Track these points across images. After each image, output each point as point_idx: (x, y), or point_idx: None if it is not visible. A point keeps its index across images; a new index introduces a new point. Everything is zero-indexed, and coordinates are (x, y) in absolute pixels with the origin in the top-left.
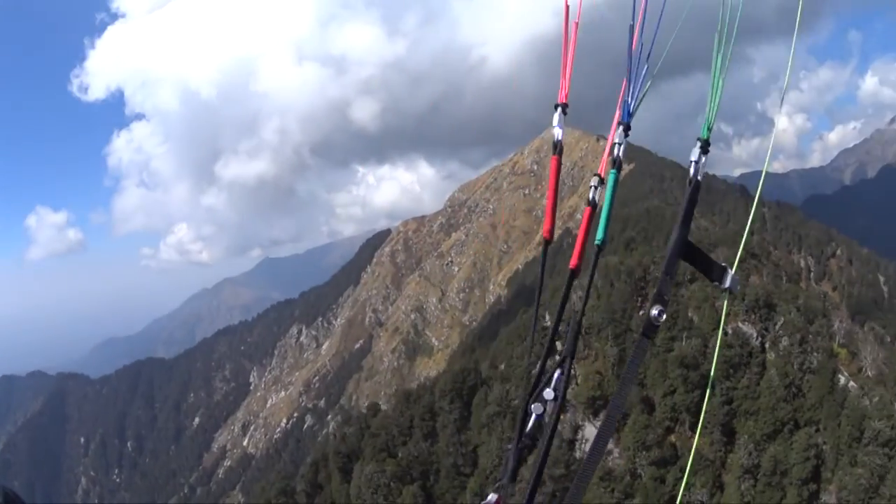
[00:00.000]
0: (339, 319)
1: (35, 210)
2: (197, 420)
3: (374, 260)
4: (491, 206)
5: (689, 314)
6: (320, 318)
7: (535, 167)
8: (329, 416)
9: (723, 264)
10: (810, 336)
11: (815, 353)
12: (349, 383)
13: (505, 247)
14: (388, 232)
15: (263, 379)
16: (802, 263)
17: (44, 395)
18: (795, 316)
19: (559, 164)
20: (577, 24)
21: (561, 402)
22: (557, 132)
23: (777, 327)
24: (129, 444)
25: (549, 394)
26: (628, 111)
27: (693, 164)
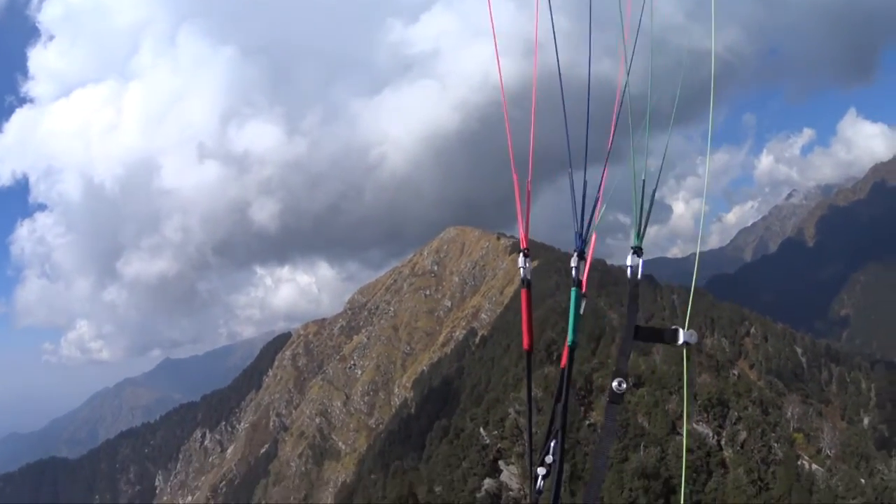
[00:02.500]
0: (242, 423)
1: None
2: None
3: (276, 363)
4: (392, 308)
5: (640, 421)
6: (223, 422)
7: (436, 268)
8: None
9: (672, 327)
10: (766, 427)
11: (775, 444)
12: (257, 488)
13: (408, 348)
14: (288, 335)
15: (169, 483)
16: (717, 346)
17: None
18: (752, 410)
19: (529, 295)
20: (529, 181)
21: (560, 464)
22: (522, 272)
23: (733, 423)
24: None
25: (549, 459)
26: (581, 239)
27: (629, 268)
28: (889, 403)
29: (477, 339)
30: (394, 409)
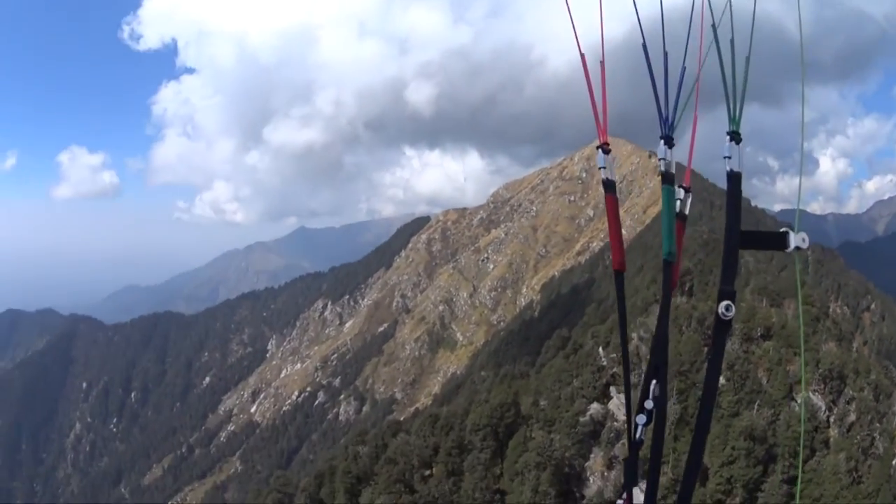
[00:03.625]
0: (365, 300)
1: (69, 148)
2: (207, 380)
3: (410, 245)
4: (534, 208)
5: (760, 376)
6: (347, 296)
7: (584, 175)
8: (342, 396)
9: (782, 230)
10: (875, 415)
11: (879, 437)
12: (367, 366)
13: (543, 251)
14: (427, 219)
15: (281, 348)
16: (839, 313)
17: (50, 335)
18: (868, 392)
19: (615, 200)
20: (602, 63)
21: (662, 408)
22: (603, 172)
23: (847, 402)
24: (132, 395)
25: (648, 404)
26: (669, 125)
27: (727, 158)
28: None
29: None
30: (518, 310)
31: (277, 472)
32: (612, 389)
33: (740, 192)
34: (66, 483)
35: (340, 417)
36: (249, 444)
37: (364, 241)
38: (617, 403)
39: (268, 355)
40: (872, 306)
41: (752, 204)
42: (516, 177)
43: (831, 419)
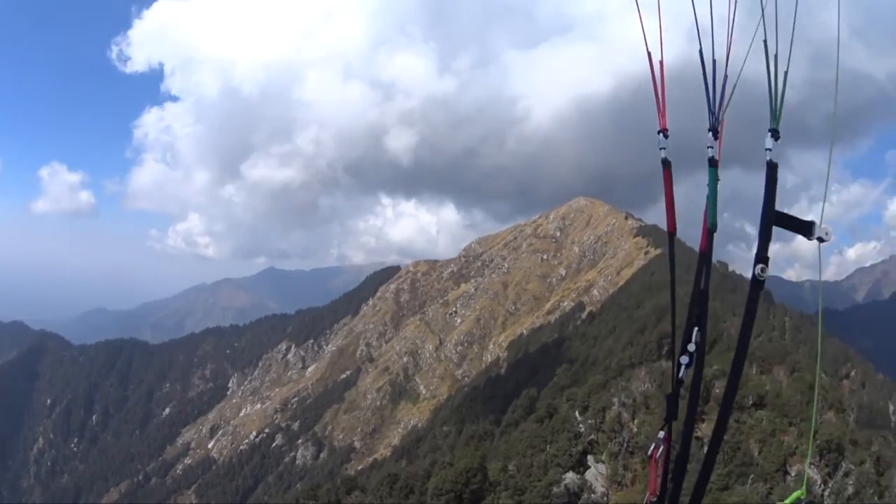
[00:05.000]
0: (330, 345)
1: (50, 164)
2: (167, 411)
3: (378, 294)
4: (506, 265)
5: (751, 447)
6: (312, 340)
7: (558, 234)
8: (300, 440)
9: (809, 219)
10: (879, 489)
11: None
12: (327, 412)
13: (513, 308)
14: (397, 268)
15: (242, 387)
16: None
17: (20, 348)
18: (870, 465)
19: (670, 175)
20: (661, 62)
21: (701, 352)
22: (663, 152)
23: (844, 476)
24: (94, 418)
25: (691, 347)
26: (716, 117)
27: (767, 150)
28: None
29: (584, 314)
30: (484, 366)
31: None
32: (590, 458)
33: (776, 178)
34: (30, 493)
35: (297, 461)
36: (205, 480)
37: (333, 287)
38: (595, 473)
39: (228, 392)
40: (852, 374)
41: (731, 269)
42: (490, 231)
43: (825, 493)
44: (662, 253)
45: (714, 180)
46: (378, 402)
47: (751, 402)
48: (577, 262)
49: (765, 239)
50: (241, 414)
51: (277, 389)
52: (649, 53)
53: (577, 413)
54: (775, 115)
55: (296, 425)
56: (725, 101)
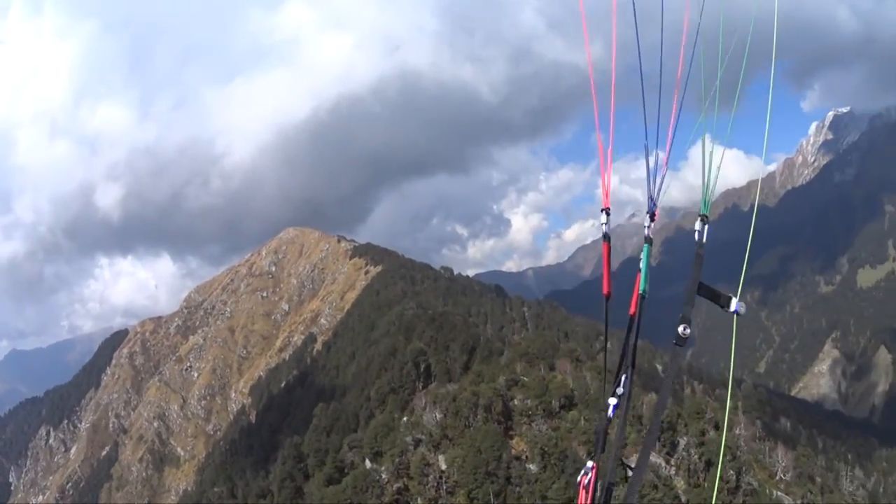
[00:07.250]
0: (83, 423)
1: None
2: None
3: (114, 361)
4: (228, 309)
5: (577, 449)
6: (66, 421)
7: (274, 269)
8: None
9: (728, 294)
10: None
11: (733, 472)
12: (101, 492)
13: (244, 352)
14: (125, 332)
15: (22, 480)
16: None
17: None
18: (710, 435)
19: (609, 248)
20: (610, 150)
21: (628, 396)
22: (604, 227)
23: (681, 450)
24: None
25: (619, 391)
26: (654, 203)
27: (697, 233)
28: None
29: (317, 346)
30: (231, 416)
31: None
32: None
33: (703, 256)
34: None
35: None
36: None
37: (71, 361)
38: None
39: (12, 487)
40: (610, 346)
41: (456, 272)
42: (207, 278)
43: (672, 472)
44: (384, 270)
45: (647, 255)
46: (144, 473)
47: (559, 407)
48: (297, 293)
49: (689, 304)
50: None
51: (52, 477)
52: (600, 144)
53: (367, 462)
54: (706, 202)
55: None
56: (663, 191)
